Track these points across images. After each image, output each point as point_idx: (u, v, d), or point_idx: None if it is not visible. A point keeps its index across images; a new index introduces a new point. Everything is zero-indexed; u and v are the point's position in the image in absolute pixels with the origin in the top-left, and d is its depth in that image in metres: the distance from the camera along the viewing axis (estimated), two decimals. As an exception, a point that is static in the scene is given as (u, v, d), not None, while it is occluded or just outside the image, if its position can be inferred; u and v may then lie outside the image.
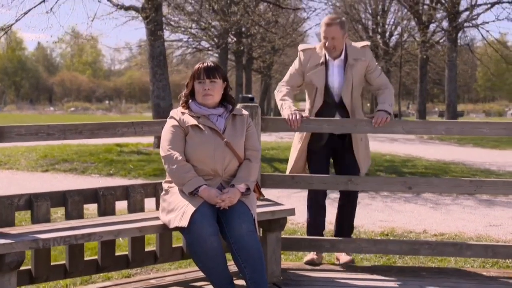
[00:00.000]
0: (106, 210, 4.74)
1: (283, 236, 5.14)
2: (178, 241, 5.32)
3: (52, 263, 4.53)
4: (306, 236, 5.71)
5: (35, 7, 16.33)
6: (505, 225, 8.11)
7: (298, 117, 5.16)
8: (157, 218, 4.48)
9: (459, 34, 32.83)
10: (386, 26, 45.14)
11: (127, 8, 18.54)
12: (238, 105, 4.85)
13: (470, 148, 22.02)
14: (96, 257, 4.75)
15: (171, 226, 4.21)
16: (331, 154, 5.66)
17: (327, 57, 5.50)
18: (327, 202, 5.76)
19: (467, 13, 32.62)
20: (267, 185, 5.31)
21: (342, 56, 5.49)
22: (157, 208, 4.88)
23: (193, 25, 28.08)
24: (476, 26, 32.79)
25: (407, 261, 5.99)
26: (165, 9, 20.01)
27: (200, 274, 4.91)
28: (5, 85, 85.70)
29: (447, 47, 33.21)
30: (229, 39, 33.51)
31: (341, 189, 5.48)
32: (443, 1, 33.37)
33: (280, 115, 5.40)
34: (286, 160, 14.16)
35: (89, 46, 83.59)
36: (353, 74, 5.43)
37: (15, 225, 4.37)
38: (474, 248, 5.30)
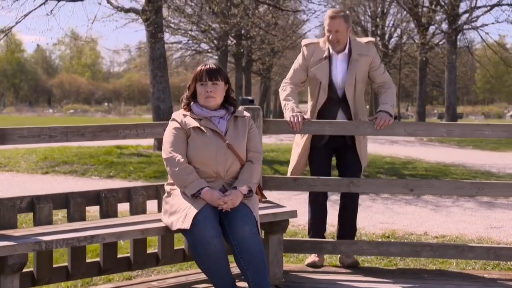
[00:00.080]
0: (108, 212, 4.74)
1: (284, 238, 5.14)
2: (179, 243, 5.32)
3: (54, 265, 4.52)
4: (307, 238, 5.70)
5: (35, 9, 16.35)
6: (506, 227, 8.11)
7: (300, 119, 5.15)
8: (159, 220, 4.47)
9: (459, 36, 32.87)
10: (386, 28, 45.16)
11: (127, 10, 18.55)
12: (240, 107, 4.85)
13: (470, 150, 22.02)
14: (98, 259, 4.75)
15: (174, 228, 4.21)
16: (333, 151, 5.62)
17: (331, 51, 5.46)
18: (328, 203, 5.75)
19: (467, 15, 32.68)
20: (269, 187, 5.31)
21: (346, 51, 5.45)
22: (159, 210, 4.88)
23: (193, 28, 28.09)
24: (476, 28, 32.85)
25: (408, 263, 5.98)
26: (165, 12, 19.99)
27: (202, 276, 4.91)
28: (4, 87, 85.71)
29: (446, 49, 33.25)
30: (229, 41, 33.53)
31: (343, 191, 5.46)
32: (443, 3, 33.41)
33: (280, 116, 5.39)
34: (286, 162, 14.25)
35: (88, 48, 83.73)
36: (356, 69, 5.39)
37: (17, 227, 4.37)
38: (476, 250, 5.30)
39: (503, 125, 5.24)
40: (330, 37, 5.39)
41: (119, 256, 4.81)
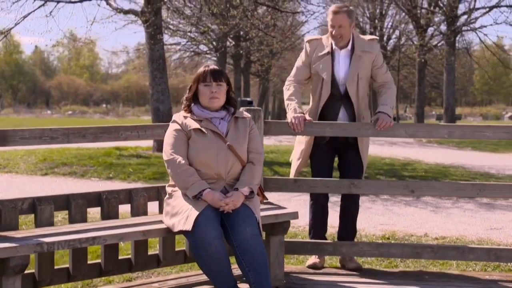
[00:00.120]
0: (109, 213, 4.74)
1: (285, 239, 5.14)
2: (180, 244, 5.32)
3: (55, 267, 4.52)
4: (308, 240, 5.70)
5: (34, 10, 16.34)
6: (506, 228, 8.11)
7: (301, 120, 5.14)
8: (161, 222, 4.48)
9: (457, 38, 32.89)
10: (384, 30, 45.11)
11: (126, 12, 18.54)
12: (240, 109, 4.85)
13: (469, 151, 22.04)
14: (99, 260, 4.75)
15: (175, 229, 4.22)
16: (335, 151, 5.59)
17: (334, 46, 5.43)
18: (329, 205, 5.74)
19: (465, 16, 32.70)
20: (270, 188, 5.30)
21: (349, 47, 5.43)
22: (160, 211, 4.88)
23: (192, 29, 28.08)
24: (474, 29, 32.87)
25: (409, 264, 5.98)
26: (164, 13, 20.00)
27: (202, 277, 4.91)
28: (2, 88, 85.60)
29: (445, 50, 33.26)
30: (228, 43, 33.51)
31: (344, 192, 5.46)
32: (441, 5, 33.44)
33: (279, 117, 5.38)
34: (285, 164, 14.26)
35: (87, 50, 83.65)
36: (359, 65, 5.36)
37: (18, 229, 4.37)
38: (477, 252, 5.30)
39: (504, 127, 5.25)
40: (333, 32, 5.36)
41: (120, 257, 4.81)
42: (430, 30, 36.22)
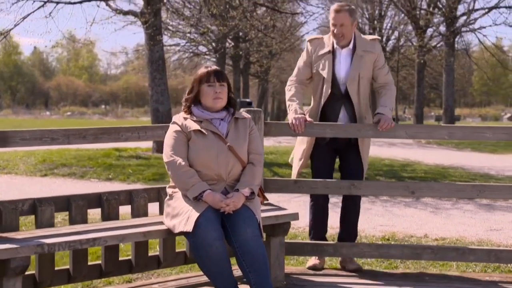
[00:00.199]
0: (109, 214, 4.74)
1: (285, 241, 5.14)
2: (180, 245, 5.31)
3: (56, 268, 4.52)
4: (309, 241, 5.70)
5: (33, 11, 16.34)
6: (506, 229, 8.11)
7: (302, 121, 5.14)
8: (161, 223, 4.48)
9: (457, 39, 32.91)
10: (383, 31, 45.13)
11: (125, 13, 18.54)
12: (241, 110, 4.85)
13: (468, 152, 22.05)
14: (99, 261, 4.75)
15: (176, 231, 4.22)
16: (336, 152, 5.58)
17: (335, 45, 5.42)
18: (329, 206, 5.74)
19: (465, 17, 32.72)
20: (270, 189, 5.30)
21: (351, 46, 5.41)
22: (161, 212, 4.88)
23: (192, 30, 28.08)
24: (474, 30, 32.89)
25: (409, 265, 5.97)
26: (163, 14, 20.01)
27: (203, 278, 4.91)
28: (1, 89, 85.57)
29: (444, 51, 33.28)
30: (227, 44, 33.52)
31: (344, 193, 5.46)
32: (441, 6, 33.46)
33: (278, 118, 5.37)
34: (285, 165, 14.27)
35: (85, 51, 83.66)
36: (360, 65, 5.34)
37: (19, 230, 4.37)
38: (477, 253, 5.30)
39: (504, 128, 5.25)
40: (335, 31, 5.34)
41: (120, 258, 4.81)
42: (429, 31, 36.25)
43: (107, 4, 18.11)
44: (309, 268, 5.51)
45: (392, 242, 7.02)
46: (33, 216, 4.56)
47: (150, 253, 4.97)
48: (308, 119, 5.27)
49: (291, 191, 5.61)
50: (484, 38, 57.02)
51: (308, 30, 62.52)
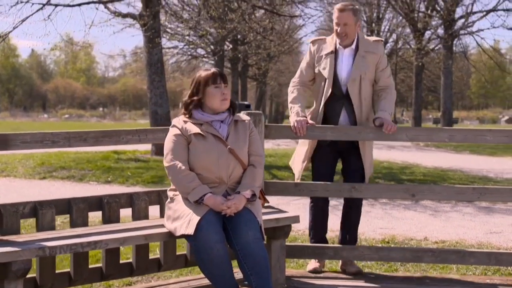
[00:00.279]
0: (110, 217, 4.73)
1: (286, 243, 5.13)
2: (180, 248, 5.30)
3: (56, 271, 4.51)
4: (309, 244, 5.69)
5: (32, 14, 16.33)
6: (506, 232, 8.11)
7: (303, 124, 5.14)
8: (162, 226, 4.47)
9: (455, 42, 32.95)
10: (381, 34, 45.18)
11: (124, 16, 18.55)
12: (241, 113, 4.85)
13: (467, 155, 22.06)
14: (100, 265, 4.74)
15: (177, 234, 4.21)
16: (338, 154, 5.56)
17: (338, 45, 5.41)
18: (330, 209, 5.73)
19: (463, 20, 32.77)
20: (270, 192, 5.29)
21: (353, 46, 5.40)
22: (161, 215, 4.87)
23: (190, 33, 28.09)
24: (472, 33, 32.94)
25: (409, 268, 5.97)
26: (162, 17, 20.02)
27: (203, 281, 4.90)
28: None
29: (442, 54, 33.32)
30: (225, 46, 33.55)
31: (345, 196, 5.46)
32: (439, 9, 33.50)
33: (276, 121, 5.36)
34: (284, 167, 14.28)
35: (83, 53, 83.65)
36: (362, 65, 5.32)
37: (20, 233, 4.36)
38: (478, 256, 5.30)
39: (505, 131, 5.26)
40: (338, 30, 5.33)
41: (121, 261, 4.80)
42: (428, 33, 36.31)
43: (105, 7, 18.11)
44: (310, 271, 5.50)
45: (392, 245, 7.02)
46: (32, 219, 4.55)
47: (151, 256, 4.96)
48: (310, 121, 5.27)
49: (291, 193, 5.60)
50: (482, 40, 57.17)
51: (306, 33, 62.54)
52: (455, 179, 13.82)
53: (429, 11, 34.03)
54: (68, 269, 4.59)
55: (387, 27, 43.94)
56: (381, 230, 8.08)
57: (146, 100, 17.69)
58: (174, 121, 4.51)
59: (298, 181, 5.56)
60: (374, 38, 5.56)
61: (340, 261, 5.63)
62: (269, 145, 22.72)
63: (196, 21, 22.55)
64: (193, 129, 4.39)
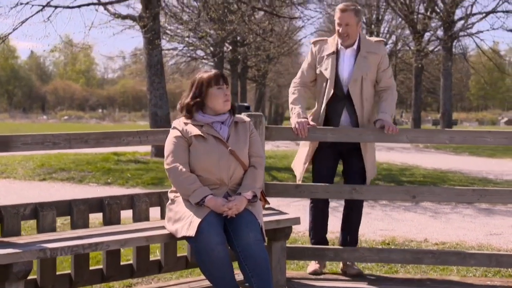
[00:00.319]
0: (111, 219, 4.73)
1: (286, 245, 5.13)
2: (181, 250, 5.30)
3: (57, 273, 4.51)
4: (309, 245, 5.69)
5: (32, 16, 16.32)
6: (506, 234, 8.11)
7: (305, 125, 5.14)
8: (163, 227, 4.47)
9: (454, 43, 32.96)
10: (381, 35, 45.21)
11: (124, 17, 18.55)
12: (242, 114, 4.85)
13: (466, 156, 22.06)
14: (101, 266, 4.74)
15: (179, 235, 4.21)
16: (339, 155, 5.56)
17: (339, 46, 5.40)
18: (330, 210, 5.73)
19: (462, 22, 32.78)
20: (270, 194, 5.29)
21: (355, 46, 5.39)
22: (162, 217, 4.87)
23: (190, 34, 28.10)
24: (471, 35, 32.95)
25: (409, 270, 5.96)
26: (162, 18, 20.02)
27: (204, 283, 4.91)
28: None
29: (442, 56, 33.33)
30: (225, 48, 33.55)
31: (345, 198, 5.44)
32: (438, 10, 33.50)
33: (275, 123, 5.35)
34: (283, 169, 14.28)
35: (83, 55, 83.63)
36: (364, 65, 5.31)
37: (20, 235, 4.36)
38: (478, 258, 5.30)
39: (505, 132, 5.25)
40: (340, 31, 5.32)
41: (122, 263, 4.80)
42: (427, 35, 36.31)
43: (105, 9, 18.11)
44: (310, 273, 5.50)
45: (392, 247, 7.01)
46: (32, 221, 4.56)
47: (151, 258, 4.96)
48: (311, 123, 5.27)
49: (292, 195, 5.59)
50: (482, 42, 57.19)
51: (306, 34, 62.76)
52: (454, 180, 13.83)
53: (428, 13, 34.03)
54: (69, 271, 4.59)
55: (387, 28, 43.97)
56: (381, 232, 8.09)
57: (145, 101, 17.69)
58: (175, 123, 4.50)
59: (300, 182, 5.55)
60: (375, 38, 5.56)
61: (341, 262, 5.64)
62: (269, 146, 22.71)
63: (195, 23, 22.54)
64: (194, 130, 4.38)
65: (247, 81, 44.63)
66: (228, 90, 4.50)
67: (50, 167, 14.38)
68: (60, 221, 7.40)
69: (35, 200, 4.60)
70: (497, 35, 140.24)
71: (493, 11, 31.33)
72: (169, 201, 4.49)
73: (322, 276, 5.45)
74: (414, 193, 5.31)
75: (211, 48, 32.71)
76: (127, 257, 5.77)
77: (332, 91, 5.35)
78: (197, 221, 4.08)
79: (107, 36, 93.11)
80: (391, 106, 5.34)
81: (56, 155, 16.26)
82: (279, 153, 19.30)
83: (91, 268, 4.65)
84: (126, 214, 4.94)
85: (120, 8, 68.61)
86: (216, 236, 4.05)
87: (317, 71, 5.44)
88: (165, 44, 28.87)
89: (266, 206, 4.86)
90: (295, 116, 5.26)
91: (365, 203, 5.83)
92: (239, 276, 4.35)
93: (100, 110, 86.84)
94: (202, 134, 4.36)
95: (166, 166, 4.38)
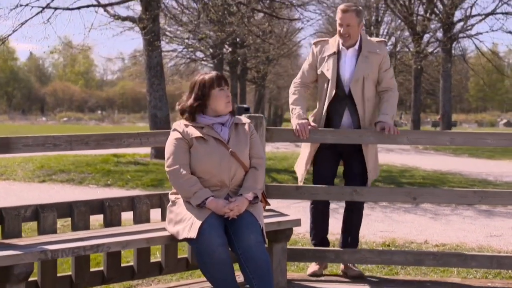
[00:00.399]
0: (112, 221, 4.73)
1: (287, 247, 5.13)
2: (181, 252, 5.30)
3: (58, 274, 4.51)
4: (310, 247, 5.69)
5: (32, 17, 16.31)
6: (506, 235, 8.11)
7: (306, 127, 5.14)
8: (164, 229, 4.47)
9: (453, 45, 32.97)
10: (380, 37, 45.24)
11: (124, 19, 18.54)
12: (243, 116, 4.85)
13: (466, 158, 22.07)
14: (101, 268, 4.74)
15: (180, 237, 4.20)
16: (340, 154, 5.54)
17: (340, 46, 5.40)
18: (330, 212, 5.72)
19: (462, 23, 32.79)
20: (271, 196, 5.29)
21: (356, 46, 5.39)
22: (163, 219, 4.87)
23: (190, 36, 28.10)
24: (470, 36, 32.96)
25: (409, 271, 5.96)
26: (161, 20, 20.03)
27: (204, 285, 4.91)
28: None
29: (441, 57, 33.34)
30: (224, 50, 33.56)
31: (346, 199, 5.44)
32: (438, 12, 33.51)
33: (275, 124, 5.35)
34: (283, 171, 14.26)
35: (82, 56, 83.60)
36: (365, 65, 5.31)
37: (21, 236, 4.36)
38: (479, 259, 5.30)
39: (506, 134, 5.25)
40: (341, 31, 5.32)
41: (122, 265, 4.79)
42: (426, 37, 36.31)
43: (105, 10, 18.12)
44: (310, 275, 5.50)
45: (393, 248, 7.01)
46: (32, 223, 4.57)
47: (152, 260, 4.95)
48: (312, 124, 5.26)
49: (293, 197, 5.60)
50: (481, 44, 57.21)
51: (305, 36, 62.76)
52: (454, 182, 13.82)
53: (428, 14, 34.03)
54: (69, 273, 4.59)
55: (386, 30, 43.97)
56: (381, 233, 8.08)
57: (144, 103, 17.70)
58: (175, 125, 4.50)
59: (301, 183, 5.55)
60: (377, 39, 5.56)
61: (341, 264, 5.63)
62: (268, 148, 22.68)
63: (195, 25, 22.54)
64: (195, 132, 4.38)
65: (246, 82, 44.65)
66: (229, 92, 4.50)
67: (49, 168, 14.36)
68: (60, 222, 7.40)
69: (35, 202, 4.60)
70: (496, 36, 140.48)
71: (492, 12, 31.36)
72: (170, 203, 4.49)
73: (322, 278, 5.44)
74: (415, 195, 5.31)
75: (211, 50, 32.71)
76: (128, 259, 5.76)
77: (333, 91, 5.34)
78: (198, 223, 4.07)
79: (107, 37, 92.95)
80: (392, 107, 5.33)
81: (55, 157, 16.24)
82: (278, 154, 19.30)
83: (91, 269, 4.66)
84: (127, 216, 4.93)
85: (120, 10, 68.62)
86: (217, 238, 4.05)
87: (318, 72, 5.44)
88: (164, 45, 28.90)
89: (267, 207, 4.86)
90: (295, 117, 5.26)
91: (365, 205, 5.82)
92: (239, 277, 4.34)
93: (99, 112, 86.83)
94: (203, 136, 4.36)
95: (166, 169, 4.37)
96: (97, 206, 4.72)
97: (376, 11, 41.56)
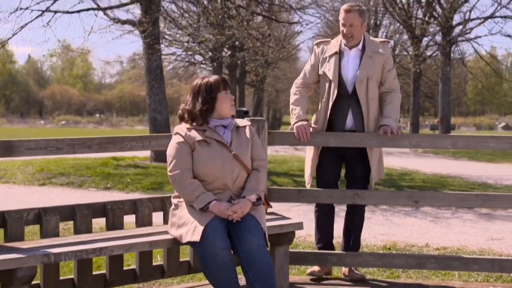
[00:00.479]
0: (114, 224, 4.73)
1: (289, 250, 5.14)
2: (183, 255, 5.29)
3: (61, 278, 4.50)
4: (312, 250, 5.70)
5: (32, 21, 16.31)
6: (507, 238, 8.10)
7: (307, 128, 5.14)
8: (166, 232, 4.47)
9: (452, 48, 32.98)
10: (379, 40, 45.21)
11: (123, 22, 18.56)
12: (245, 119, 4.85)
13: (465, 161, 22.09)
14: (104, 271, 4.74)
15: (183, 240, 4.20)
16: (342, 157, 5.52)
17: (343, 46, 5.39)
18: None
19: (461, 27, 32.81)
20: (273, 199, 5.30)
21: (360, 46, 5.38)
22: (165, 222, 4.87)
23: (189, 39, 28.09)
24: (469, 40, 32.98)
25: (411, 275, 5.96)
26: (161, 23, 20.04)
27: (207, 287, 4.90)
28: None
29: (440, 61, 33.35)
30: (223, 53, 33.54)
31: (348, 203, 5.44)
32: (436, 15, 33.53)
33: (273, 127, 5.34)
34: (283, 174, 14.26)
35: (80, 60, 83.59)
36: (369, 65, 5.29)
37: (24, 240, 4.35)
38: (481, 263, 5.30)
39: (508, 137, 5.25)
40: (344, 31, 5.31)
41: (124, 268, 4.79)
42: (425, 40, 36.31)
43: (105, 14, 18.13)
44: (308, 274, 5.50)
45: (394, 252, 7.01)
46: (34, 226, 4.56)
47: (154, 263, 4.95)
48: (313, 125, 5.26)
49: (295, 200, 5.60)
50: (480, 47, 57.24)
51: (304, 39, 62.83)
52: (455, 185, 13.83)
53: (426, 18, 34.04)
54: (72, 276, 4.59)
55: (385, 33, 43.96)
56: (382, 237, 8.08)
57: (143, 106, 17.70)
58: (177, 129, 4.49)
59: (309, 186, 5.54)
60: (380, 39, 5.55)
61: (343, 267, 5.63)
62: (268, 151, 22.61)
63: (195, 28, 22.55)
64: (197, 136, 4.37)
65: (245, 86, 44.61)
66: (231, 95, 4.51)
67: (49, 172, 14.36)
68: (61, 226, 7.38)
69: (35, 205, 4.59)
70: (495, 40, 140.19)
71: (491, 16, 31.36)
72: (173, 206, 4.49)
73: (324, 281, 5.45)
74: (416, 198, 5.32)
75: (210, 53, 32.69)
76: (130, 262, 5.76)
77: (336, 92, 5.33)
78: (201, 226, 4.07)
79: (106, 41, 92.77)
80: (395, 110, 5.33)
81: (55, 160, 16.24)
82: (278, 158, 19.29)
83: (94, 273, 4.65)
84: (129, 219, 4.94)
85: (120, 13, 68.68)
86: (221, 241, 4.05)
87: (320, 72, 5.43)
88: (163, 49, 28.89)
89: (269, 210, 4.86)
90: (295, 117, 5.26)
91: (365, 208, 5.82)
92: (242, 280, 4.34)
93: (97, 115, 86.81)
94: (206, 139, 4.36)
95: (169, 173, 4.36)
96: (100, 209, 4.72)
97: (375, 14, 41.55)
